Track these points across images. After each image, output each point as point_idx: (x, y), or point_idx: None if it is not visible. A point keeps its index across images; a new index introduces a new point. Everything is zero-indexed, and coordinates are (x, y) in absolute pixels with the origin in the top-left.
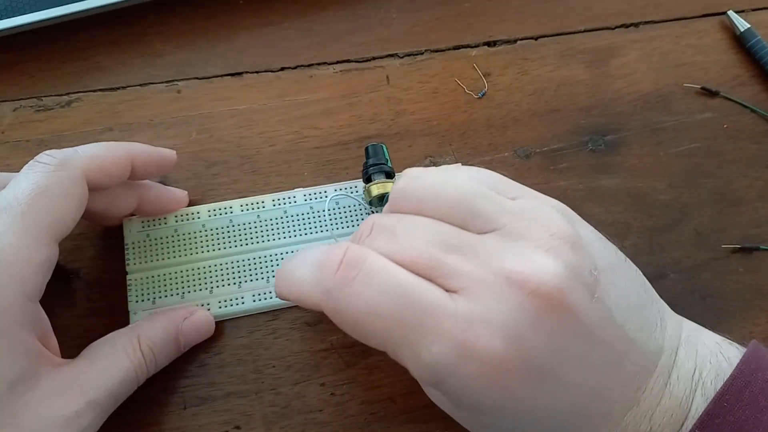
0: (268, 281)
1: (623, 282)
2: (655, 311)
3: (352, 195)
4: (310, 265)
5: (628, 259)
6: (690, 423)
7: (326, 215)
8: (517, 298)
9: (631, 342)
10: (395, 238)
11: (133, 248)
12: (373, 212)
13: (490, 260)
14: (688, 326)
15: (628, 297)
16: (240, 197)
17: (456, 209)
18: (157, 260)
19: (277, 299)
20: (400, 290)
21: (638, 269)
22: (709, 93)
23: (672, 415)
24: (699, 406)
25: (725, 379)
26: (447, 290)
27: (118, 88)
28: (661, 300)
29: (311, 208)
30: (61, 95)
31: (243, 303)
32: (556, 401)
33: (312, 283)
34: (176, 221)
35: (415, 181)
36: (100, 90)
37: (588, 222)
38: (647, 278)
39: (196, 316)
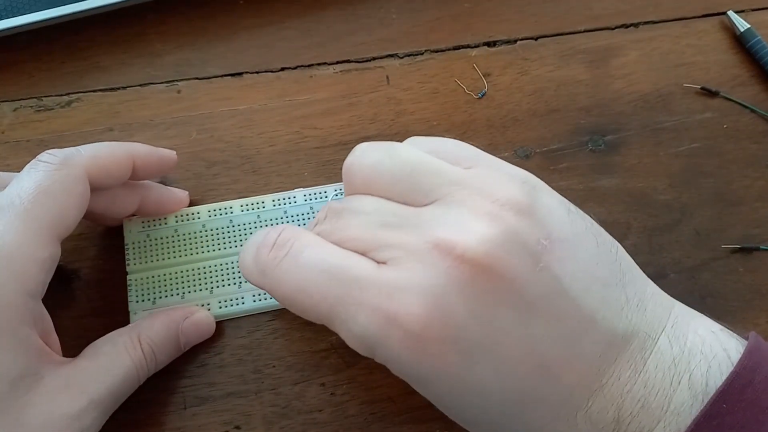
0: None
1: (587, 255)
2: (628, 291)
3: None
4: (252, 247)
5: (605, 234)
6: (671, 417)
7: None
8: (443, 265)
9: (589, 319)
10: (338, 221)
11: (134, 248)
12: None
13: (422, 230)
14: (681, 312)
15: (591, 272)
16: (240, 197)
17: (398, 185)
18: (158, 260)
19: None
20: (326, 265)
21: (619, 247)
22: (709, 93)
23: (644, 406)
24: (684, 399)
25: (723, 374)
26: (379, 263)
27: (118, 88)
28: (650, 283)
29: (311, 208)
30: (61, 95)
31: (243, 303)
32: (497, 375)
33: (252, 264)
34: (176, 221)
35: (359, 158)
36: (100, 90)
37: None
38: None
39: (196, 315)
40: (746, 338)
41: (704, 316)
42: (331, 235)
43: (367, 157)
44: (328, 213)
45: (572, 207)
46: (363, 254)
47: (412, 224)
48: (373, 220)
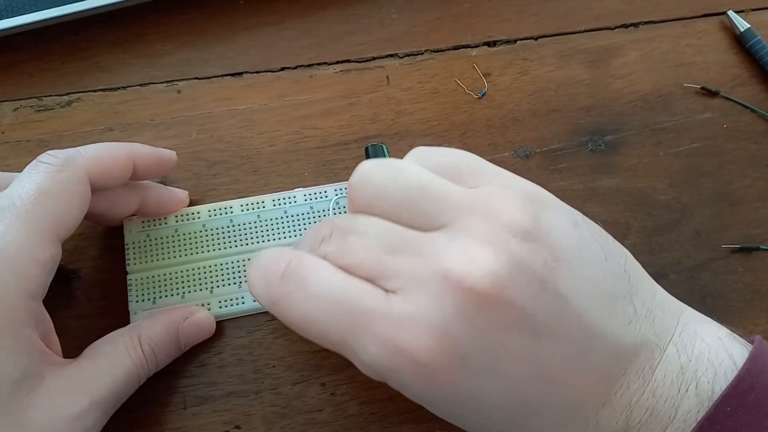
0: None
1: (594, 271)
2: (636, 302)
3: None
4: (261, 275)
5: (612, 244)
6: (679, 424)
7: (330, 214)
8: (450, 296)
9: (596, 334)
10: (345, 243)
11: (134, 248)
12: None
13: (429, 259)
14: (688, 318)
15: (599, 287)
16: (240, 197)
17: (403, 208)
18: (158, 260)
19: None
20: (335, 297)
21: (627, 256)
22: (709, 93)
23: (652, 414)
24: (691, 406)
25: (729, 380)
26: (387, 292)
27: (118, 88)
28: (659, 289)
29: (311, 208)
30: (61, 95)
31: (243, 303)
32: (507, 396)
33: (262, 293)
34: (176, 221)
35: (364, 178)
36: (100, 90)
37: None
38: None
39: (197, 315)
40: (752, 342)
41: (711, 321)
42: (339, 259)
43: (372, 180)
44: (333, 231)
45: (579, 218)
46: (371, 281)
47: (419, 251)
48: (379, 245)
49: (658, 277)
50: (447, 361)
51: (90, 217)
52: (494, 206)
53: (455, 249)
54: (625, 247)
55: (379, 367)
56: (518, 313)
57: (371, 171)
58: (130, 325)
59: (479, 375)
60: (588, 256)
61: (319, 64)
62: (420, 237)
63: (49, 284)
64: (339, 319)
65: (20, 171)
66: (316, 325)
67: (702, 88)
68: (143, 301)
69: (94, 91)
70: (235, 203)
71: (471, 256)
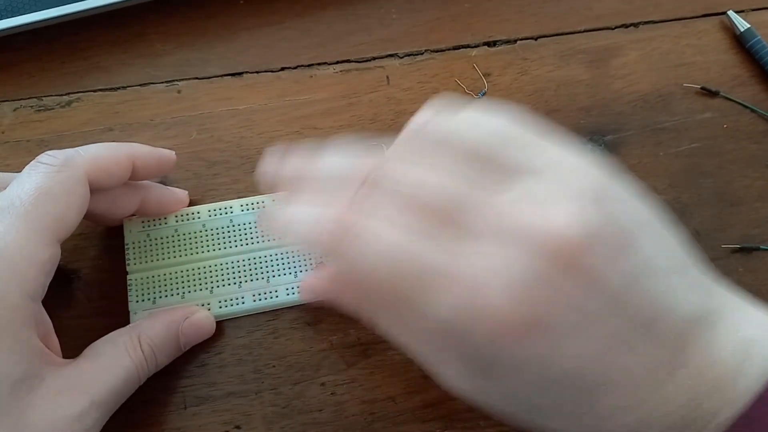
0: (268, 281)
1: (656, 243)
2: (691, 278)
3: None
4: (309, 225)
5: (665, 221)
6: (735, 401)
7: None
8: (533, 256)
9: (663, 308)
10: (403, 190)
11: (134, 248)
12: None
13: (509, 214)
14: (736, 299)
15: (660, 258)
16: (240, 197)
17: (483, 153)
18: (158, 260)
19: (277, 299)
20: (401, 254)
21: (679, 234)
22: (709, 93)
23: (715, 385)
24: (747, 383)
25: None
26: (460, 244)
27: (118, 88)
28: (706, 271)
29: None
30: (61, 95)
31: (243, 303)
32: (578, 363)
33: (317, 241)
34: (176, 221)
35: (439, 121)
36: (100, 90)
37: None
38: None
39: (196, 316)
40: None
41: (759, 306)
42: (399, 209)
43: (452, 120)
44: (385, 175)
45: (640, 193)
46: (441, 229)
47: (495, 205)
48: (450, 192)
49: None
50: (526, 323)
51: (90, 217)
52: (577, 167)
53: (537, 206)
54: None
55: (451, 327)
56: (598, 278)
57: (443, 113)
58: (130, 325)
59: (557, 339)
60: (652, 229)
61: (319, 64)
62: (496, 189)
63: (48, 284)
64: (405, 277)
65: (20, 171)
66: (380, 279)
67: (702, 88)
68: (143, 301)
69: (94, 91)
70: (235, 203)
71: (555, 215)
